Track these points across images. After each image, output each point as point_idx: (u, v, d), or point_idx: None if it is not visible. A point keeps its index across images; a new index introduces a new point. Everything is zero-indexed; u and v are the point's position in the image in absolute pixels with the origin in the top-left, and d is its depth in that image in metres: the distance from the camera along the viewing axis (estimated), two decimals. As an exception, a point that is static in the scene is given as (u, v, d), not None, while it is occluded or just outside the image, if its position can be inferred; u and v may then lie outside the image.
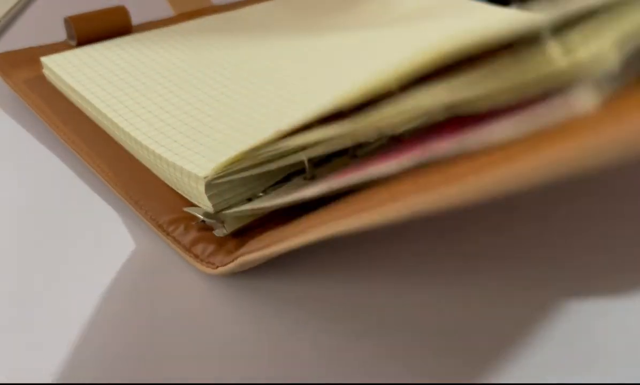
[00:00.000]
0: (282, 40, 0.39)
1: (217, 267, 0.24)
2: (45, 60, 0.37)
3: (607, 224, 0.26)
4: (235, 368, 0.21)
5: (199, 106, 0.31)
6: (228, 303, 0.23)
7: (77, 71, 0.35)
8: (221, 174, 0.24)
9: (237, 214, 0.25)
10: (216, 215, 0.25)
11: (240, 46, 0.39)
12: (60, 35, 0.43)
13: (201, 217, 0.25)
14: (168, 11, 0.48)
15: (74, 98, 0.35)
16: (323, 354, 0.21)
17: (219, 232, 0.25)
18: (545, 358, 0.21)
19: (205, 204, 0.25)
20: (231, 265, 0.23)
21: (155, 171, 0.28)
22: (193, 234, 0.25)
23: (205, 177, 0.24)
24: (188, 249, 0.25)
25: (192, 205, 0.26)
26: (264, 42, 0.39)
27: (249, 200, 0.25)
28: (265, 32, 0.41)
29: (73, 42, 0.41)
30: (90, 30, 0.41)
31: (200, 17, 0.43)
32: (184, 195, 0.27)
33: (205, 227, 0.26)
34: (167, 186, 0.28)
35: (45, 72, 0.37)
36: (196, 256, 0.24)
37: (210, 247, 0.25)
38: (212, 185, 0.24)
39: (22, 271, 0.25)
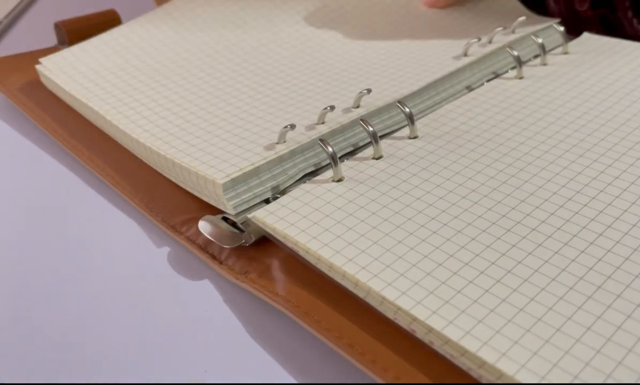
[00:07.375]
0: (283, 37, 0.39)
1: (240, 274, 0.23)
2: (40, 67, 0.36)
3: None
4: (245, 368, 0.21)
5: (205, 106, 0.31)
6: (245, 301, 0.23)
7: (76, 73, 0.35)
8: (239, 175, 0.24)
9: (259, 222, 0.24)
10: (237, 217, 0.25)
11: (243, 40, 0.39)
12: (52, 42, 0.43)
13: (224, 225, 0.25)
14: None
15: (73, 104, 0.34)
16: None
17: (245, 241, 0.24)
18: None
19: (224, 206, 0.25)
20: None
21: (167, 175, 0.28)
22: (207, 234, 0.25)
23: (224, 182, 0.24)
24: (204, 249, 0.25)
25: (207, 206, 0.26)
26: (268, 39, 0.39)
27: (267, 200, 0.25)
28: (264, 30, 0.41)
29: (64, 48, 0.41)
30: (81, 34, 0.41)
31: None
32: (200, 197, 0.27)
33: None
34: (176, 187, 0.28)
35: (42, 78, 0.37)
36: (213, 256, 0.24)
37: (226, 248, 0.24)
38: (230, 188, 0.24)
39: (30, 277, 0.25)
